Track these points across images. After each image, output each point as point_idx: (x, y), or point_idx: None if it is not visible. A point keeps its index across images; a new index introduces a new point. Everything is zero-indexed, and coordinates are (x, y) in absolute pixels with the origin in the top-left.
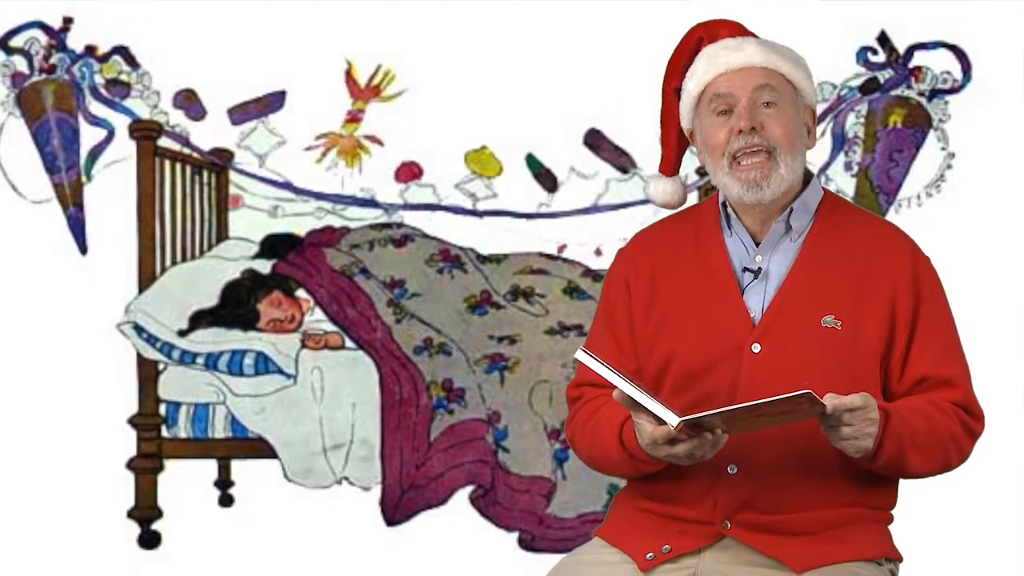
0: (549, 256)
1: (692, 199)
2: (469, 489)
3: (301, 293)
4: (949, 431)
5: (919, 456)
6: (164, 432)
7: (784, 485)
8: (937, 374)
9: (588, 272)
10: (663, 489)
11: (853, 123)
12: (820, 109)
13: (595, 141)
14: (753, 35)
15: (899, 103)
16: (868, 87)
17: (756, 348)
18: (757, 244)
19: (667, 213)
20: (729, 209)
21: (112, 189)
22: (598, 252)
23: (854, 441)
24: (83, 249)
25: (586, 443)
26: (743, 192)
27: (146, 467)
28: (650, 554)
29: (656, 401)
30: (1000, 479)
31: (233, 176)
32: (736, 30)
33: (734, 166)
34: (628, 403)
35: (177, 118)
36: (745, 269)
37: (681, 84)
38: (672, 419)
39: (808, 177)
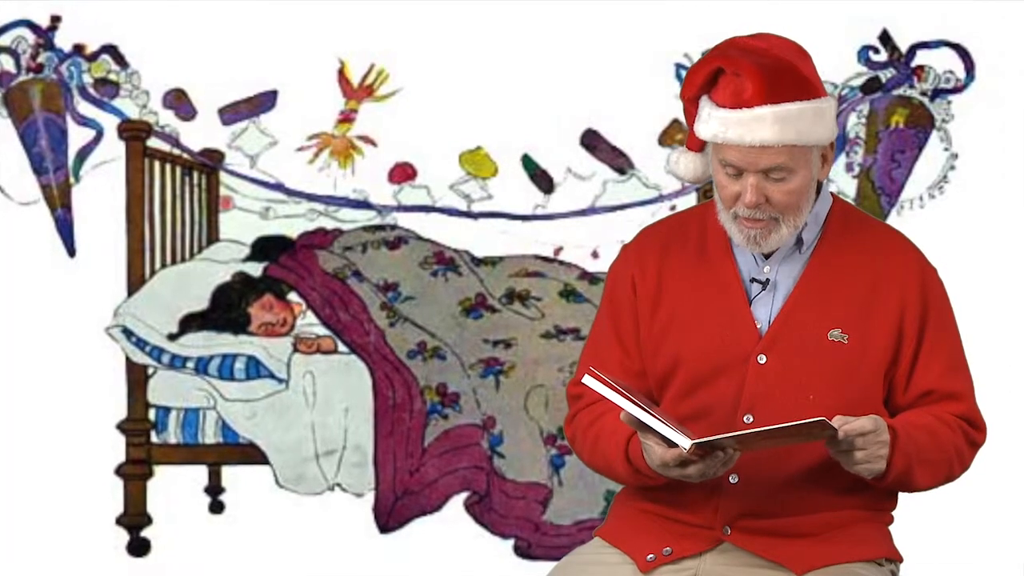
0: (545, 259)
1: (691, 200)
2: (464, 495)
3: (293, 296)
4: (953, 444)
5: (925, 471)
6: (153, 437)
7: (785, 491)
8: (942, 388)
9: (585, 275)
10: (665, 493)
11: (854, 123)
12: None
13: (592, 142)
14: (774, 89)
15: (901, 103)
16: (870, 87)
17: (762, 359)
18: (766, 255)
19: (663, 215)
20: None
21: (101, 190)
22: (595, 255)
23: (867, 464)
24: (71, 251)
25: (588, 449)
26: (742, 243)
27: (135, 473)
28: (651, 555)
29: (666, 424)
30: (1000, 480)
31: (224, 177)
32: (757, 87)
33: (737, 220)
34: (636, 425)
35: (167, 118)
36: (753, 279)
37: (696, 95)
38: (685, 442)
39: (818, 187)
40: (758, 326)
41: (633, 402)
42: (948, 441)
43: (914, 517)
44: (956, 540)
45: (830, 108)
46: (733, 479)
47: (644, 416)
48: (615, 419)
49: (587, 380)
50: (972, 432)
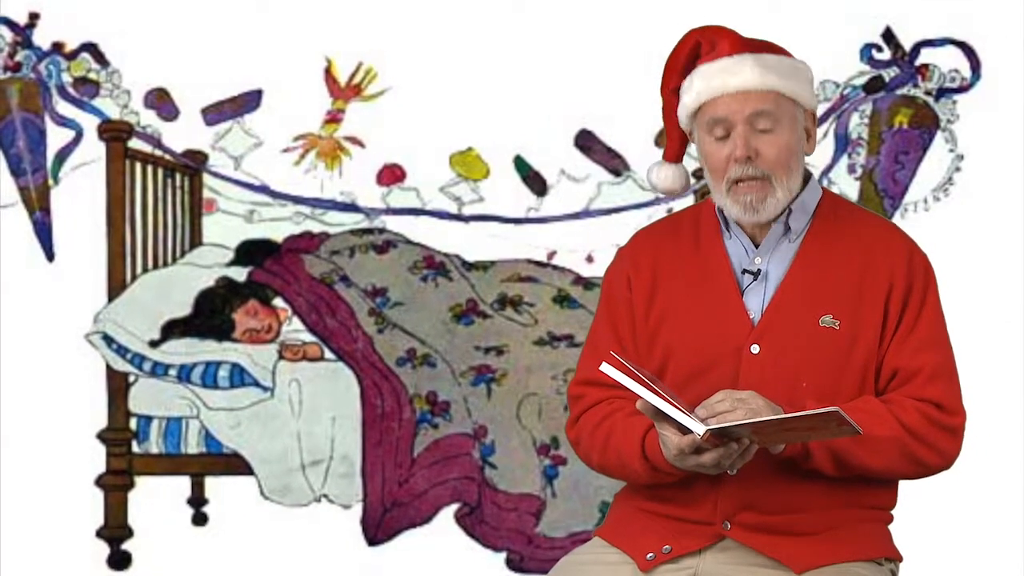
0: (538, 263)
1: (689, 200)
2: (454, 507)
3: (278, 302)
4: (902, 424)
5: (868, 451)
6: (135, 447)
7: (784, 486)
8: (908, 366)
9: (579, 280)
10: (664, 490)
11: (857, 123)
12: (823, 109)
13: (586, 142)
14: (751, 44)
15: (905, 103)
16: (873, 86)
17: (755, 349)
18: (756, 246)
19: (659, 218)
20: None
21: (80, 193)
22: (589, 259)
23: (749, 410)
24: (50, 256)
25: (598, 449)
26: (741, 214)
27: (116, 484)
28: (650, 554)
29: (681, 411)
30: (1000, 479)
31: (207, 179)
32: (734, 42)
33: (732, 189)
34: (652, 413)
35: (148, 118)
36: (745, 271)
37: (678, 85)
38: (698, 428)
39: (807, 177)
40: (750, 316)
41: (651, 388)
42: (890, 417)
43: (914, 517)
44: (956, 540)
45: (807, 72)
46: (732, 471)
47: (660, 403)
48: (627, 417)
49: (605, 367)
50: (938, 415)
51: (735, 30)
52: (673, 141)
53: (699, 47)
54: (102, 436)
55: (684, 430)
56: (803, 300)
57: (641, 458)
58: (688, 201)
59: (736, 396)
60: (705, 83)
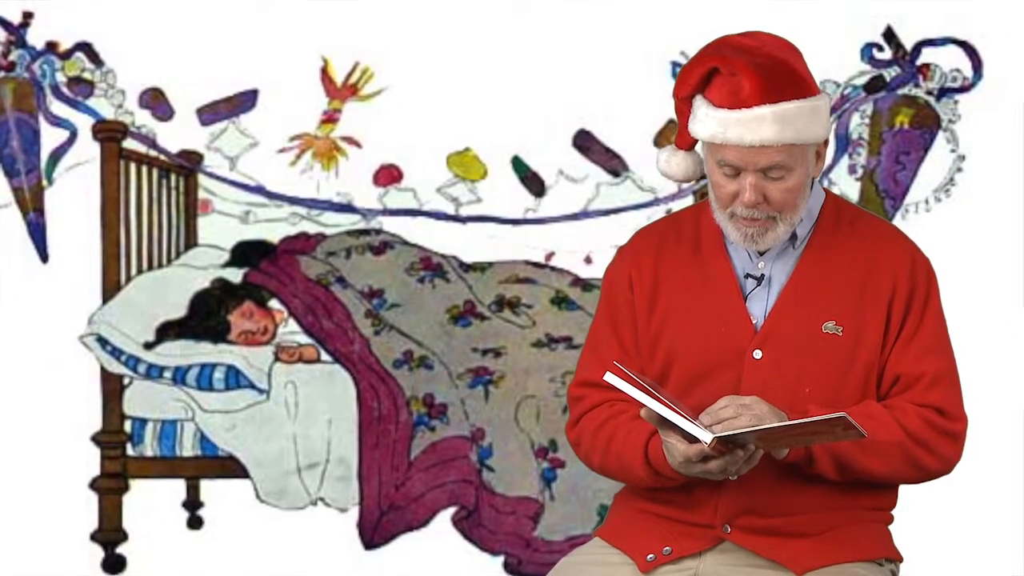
0: (536, 264)
1: (687, 202)
2: (452, 510)
3: (274, 303)
4: (904, 429)
5: (870, 456)
6: (129, 450)
7: (785, 490)
8: (910, 372)
9: (577, 281)
10: (665, 492)
11: (857, 124)
12: None
13: (585, 143)
14: (772, 89)
15: (906, 102)
16: (873, 86)
17: (757, 354)
18: (760, 251)
19: (658, 218)
20: None
21: (75, 193)
22: (588, 260)
23: (753, 416)
24: (44, 257)
25: (598, 453)
26: (740, 240)
27: (110, 487)
28: (651, 555)
29: (686, 418)
30: (1000, 479)
31: (202, 179)
32: (754, 89)
33: (734, 218)
34: (657, 421)
35: (143, 118)
36: (748, 275)
37: (690, 95)
38: (705, 436)
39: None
40: (753, 321)
41: (656, 398)
42: (893, 425)
43: (914, 517)
44: (956, 540)
45: (825, 105)
46: (735, 477)
47: (665, 412)
48: (629, 421)
49: (609, 377)
50: (941, 421)
51: (755, 61)
52: (685, 131)
53: (715, 72)
54: (96, 439)
55: (689, 438)
56: (806, 306)
57: (644, 464)
58: (687, 202)
59: (740, 402)
60: (721, 129)
